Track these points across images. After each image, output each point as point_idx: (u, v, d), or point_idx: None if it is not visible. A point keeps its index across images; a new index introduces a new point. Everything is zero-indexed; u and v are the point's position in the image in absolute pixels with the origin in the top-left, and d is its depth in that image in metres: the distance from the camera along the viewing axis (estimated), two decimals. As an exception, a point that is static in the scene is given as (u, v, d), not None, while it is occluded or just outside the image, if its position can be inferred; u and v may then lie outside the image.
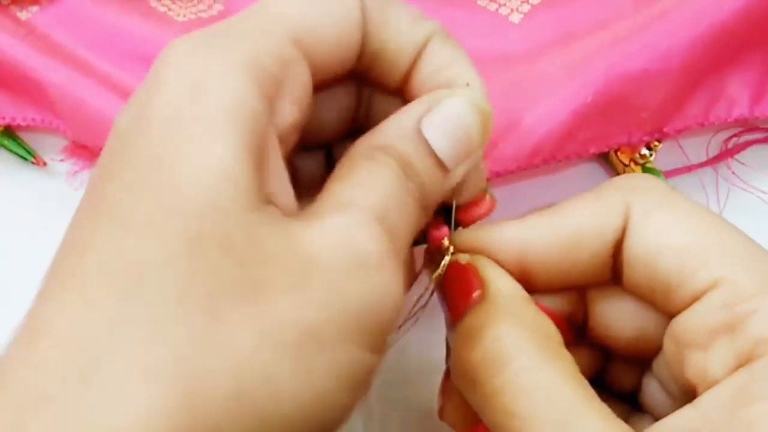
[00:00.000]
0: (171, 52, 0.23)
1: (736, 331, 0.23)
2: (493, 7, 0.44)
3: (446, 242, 0.28)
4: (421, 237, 0.29)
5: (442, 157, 0.25)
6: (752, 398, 0.21)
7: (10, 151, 0.44)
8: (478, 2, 0.44)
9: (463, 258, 0.27)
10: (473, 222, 0.29)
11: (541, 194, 0.42)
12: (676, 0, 0.39)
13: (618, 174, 0.41)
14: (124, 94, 0.41)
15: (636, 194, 0.26)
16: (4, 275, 0.41)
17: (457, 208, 0.29)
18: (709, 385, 0.23)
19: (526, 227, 0.27)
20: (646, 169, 0.40)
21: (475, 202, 0.29)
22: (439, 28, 0.27)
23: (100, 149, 0.39)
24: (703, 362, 0.23)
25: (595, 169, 0.43)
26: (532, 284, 0.27)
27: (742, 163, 0.42)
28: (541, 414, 0.22)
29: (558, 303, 0.28)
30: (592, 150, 0.39)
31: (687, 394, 0.24)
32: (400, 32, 0.26)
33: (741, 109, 0.40)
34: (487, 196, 0.30)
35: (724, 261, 0.24)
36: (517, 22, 0.43)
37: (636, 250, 0.25)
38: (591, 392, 0.23)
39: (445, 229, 0.28)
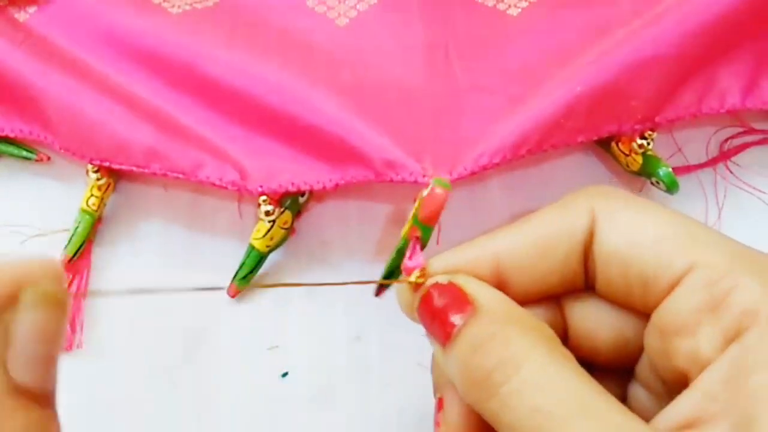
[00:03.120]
0: None
1: (719, 309, 0.23)
2: (491, 2, 0.44)
3: (417, 273, 0.28)
4: (391, 273, 0.29)
5: None
6: (750, 369, 0.22)
7: (12, 155, 0.43)
8: (477, -1, 0.44)
9: (441, 279, 0.27)
10: (436, 216, 0.29)
11: (538, 187, 0.42)
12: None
13: (620, 163, 0.41)
14: (121, 99, 0.40)
15: (599, 199, 0.27)
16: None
17: (416, 216, 0.29)
18: (702, 367, 0.23)
19: (497, 238, 0.27)
20: (647, 158, 0.39)
21: (429, 197, 0.29)
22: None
23: (91, 160, 0.40)
24: (693, 346, 0.23)
25: (591, 161, 0.43)
26: (509, 296, 0.27)
27: (740, 165, 0.42)
28: (565, 407, 0.23)
29: (537, 315, 0.28)
30: (580, 139, 0.39)
31: (677, 386, 0.24)
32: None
33: (733, 100, 0.40)
34: (434, 189, 0.29)
35: (696, 246, 0.24)
36: (515, 15, 0.43)
37: (607, 247, 0.26)
38: (600, 386, 0.24)
39: (419, 257, 0.29)
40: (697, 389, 0.23)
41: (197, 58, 0.40)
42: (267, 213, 0.38)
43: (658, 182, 0.39)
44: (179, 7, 0.44)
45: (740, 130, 0.42)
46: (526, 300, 0.27)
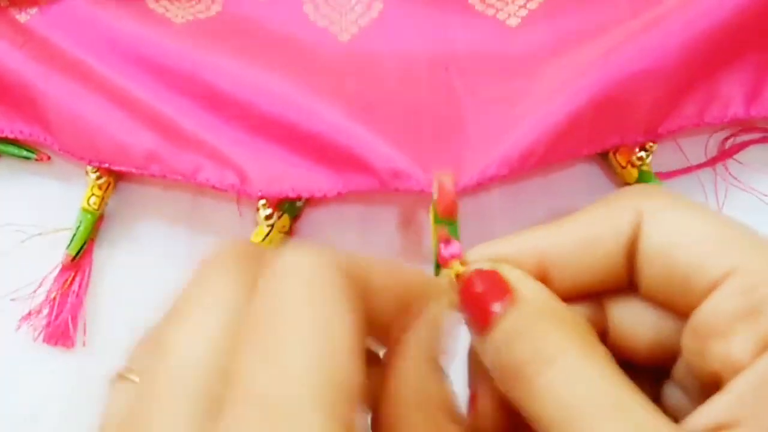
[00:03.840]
0: None
1: (756, 316, 0.23)
2: (491, 12, 0.44)
3: (457, 264, 0.28)
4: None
5: None
6: None
7: (13, 155, 0.43)
8: (476, 7, 0.44)
9: (485, 266, 0.27)
10: (454, 208, 0.30)
11: (540, 196, 0.42)
12: (673, 3, 0.39)
13: (616, 174, 0.41)
14: (121, 102, 0.40)
15: (645, 198, 0.27)
16: (4, 276, 0.41)
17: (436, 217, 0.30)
18: (735, 372, 0.23)
19: (541, 234, 0.27)
20: (642, 173, 0.39)
21: (439, 193, 0.30)
22: None
23: (90, 162, 0.40)
24: (726, 350, 0.23)
25: (594, 170, 0.43)
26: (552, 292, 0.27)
27: (741, 163, 0.42)
28: (596, 403, 0.22)
29: (577, 312, 0.28)
30: (585, 151, 0.39)
31: (712, 388, 0.24)
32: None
33: (736, 109, 0.40)
34: (442, 183, 0.30)
35: (737, 249, 0.24)
36: (514, 25, 0.43)
37: (652, 246, 0.25)
38: (633, 385, 0.23)
39: (453, 246, 0.29)
40: (728, 393, 0.23)
41: (199, 66, 0.40)
42: (266, 217, 0.38)
43: None
44: (182, 17, 0.44)
45: (739, 128, 0.42)
46: (567, 296, 0.27)
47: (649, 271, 0.26)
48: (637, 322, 0.27)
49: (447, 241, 0.29)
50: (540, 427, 0.23)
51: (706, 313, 0.24)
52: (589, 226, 0.27)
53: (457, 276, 0.28)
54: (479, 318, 0.26)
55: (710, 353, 0.24)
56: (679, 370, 0.27)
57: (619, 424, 0.22)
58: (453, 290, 0.27)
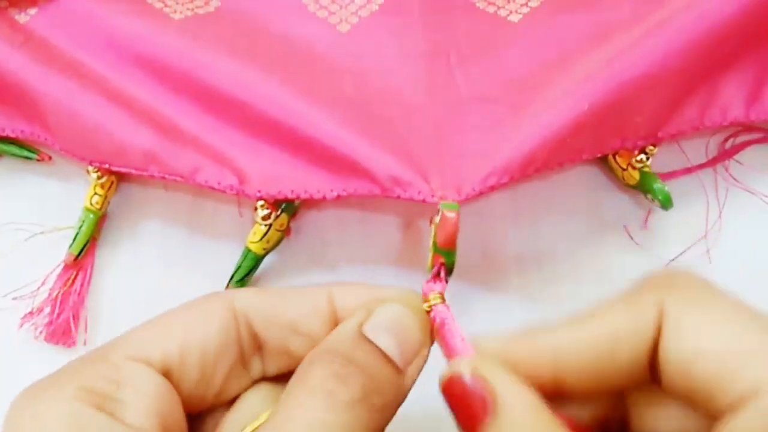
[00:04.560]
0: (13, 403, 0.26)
1: None
2: (491, 9, 0.44)
3: (435, 295, 0.29)
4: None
5: (390, 354, 0.27)
6: None
7: (14, 155, 0.43)
8: (477, 5, 0.44)
9: (466, 366, 0.26)
10: (453, 240, 0.30)
11: (540, 195, 0.42)
12: (674, 7, 0.39)
13: (617, 177, 0.41)
14: (120, 102, 0.40)
15: (667, 292, 0.26)
16: (6, 274, 0.41)
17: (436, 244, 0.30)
18: None
19: (559, 335, 0.26)
20: (643, 174, 0.39)
21: (441, 223, 0.31)
22: None
23: (90, 162, 0.40)
24: None
25: (594, 172, 0.43)
26: (566, 391, 0.26)
27: (741, 164, 0.42)
28: None
29: (592, 409, 0.27)
30: (585, 156, 0.39)
31: None
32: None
33: (736, 113, 0.40)
34: (445, 214, 0.31)
35: (762, 364, 0.23)
36: (516, 21, 0.43)
37: (672, 353, 0.25)
38: None
39: (440, 284, 0.30)
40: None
41: (198, 65, 0.40)
42: (264, 217, 0.38)
43: (653, 199, 0.40)
44: (180, 12, 0.44)
45: (740, 129, 0.42)
46: (586, 396, 0.26)
47: (671, 374, 0.25)
48: (660, 416, 0.27)
49: (436, 277, 0.30)
50: None
51: (733, 430, 0.23)
52: (609, 329, 0.26)
53: (429, 311, 0.29)
54: (462, 420, 0.26)
55: None
56: None
57: None
58: (428, 323, 0.28)
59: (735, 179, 0.42)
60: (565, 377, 0.26)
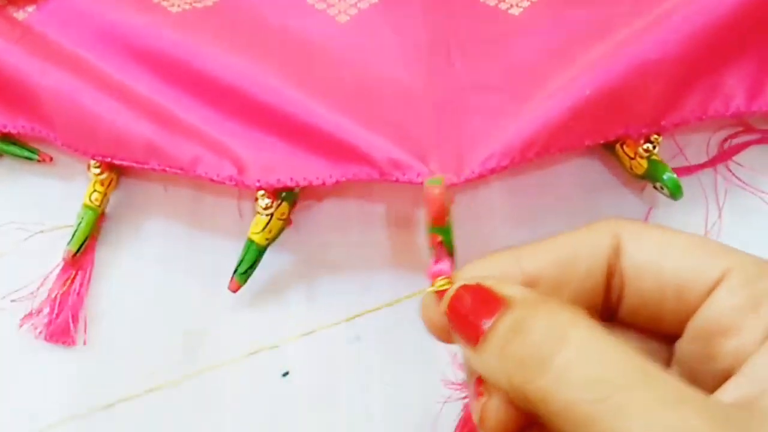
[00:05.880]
0: None
1: (760, 307, 0.23)
2: (492, 2, 0.44)
3: (441, 280, 0.28)
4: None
5: None
6: None
7: (14, 155, 0.43)
8: (479, -1, 0.44)
9: (469, 281, 0.26)
10: (443, 215, 0.30)
11: (539, 192, 0.42)
12: (675, -1, 0.39)
13: (624, 167, 0.41)
14: (119, 94, 0.40)
15: (622, 222, 0.27)
16: (6, 274, 0.41)
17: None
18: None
19: (523, 253, 0.27)
20: (652, 162, 0.39)
21: (427, 200, 0.30)
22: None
23: (93, 156, 0.40)
24: (737, 344, 0.23)
25: (594, 166, 0.43)
26: None
27: (741, 164, 0.42)
28: (624, 375, 0.22)
29: None
30: (587, 142, 0.39)
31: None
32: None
33: (738, 103, 0.40)
34: (429, 190, 0.30)
35: (728, 253, 0.25)
36: (517, 14, 0.43)
37: (638, 261, 0.26)
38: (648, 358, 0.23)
39: (444, 263, 0.29)
40: (744, 376, 0.23)
41: (196, 58, 0.40)
42: (265, 207, 0.38)
43: (662, 187, 0.40)
44: (178, 6, 0.43)
45: (740, 129, 0.42)
46: None
47: (637, 284, 0.26)
48: None
49: (438, 257, 0.29)
50: (563, 418, 0.22)
51: (709, 313, 0.24)
52: (568, 246, 0.27)
53: (439, 292, 0.28)
54: (471, 331, 0.25)
55: (720, 352, 0.24)
56: None
57: (652, 394, 0.21)
58: (440, 306, 0.27)
59: (735, 179, 0.42)
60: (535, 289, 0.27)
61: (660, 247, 0.26)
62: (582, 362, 0.22)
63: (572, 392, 0.22)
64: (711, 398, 0.22)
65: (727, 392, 0.23)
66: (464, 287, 0.26)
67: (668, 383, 0.22)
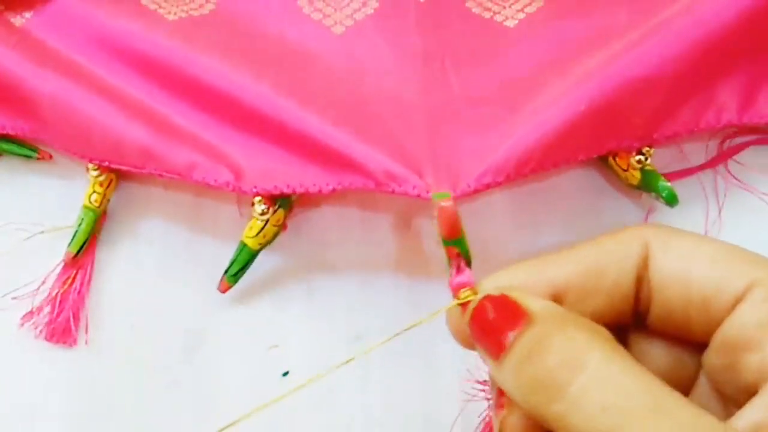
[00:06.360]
0: None
1: None
2: (487, 15, 0.45)
3: (466, 292, 0.28)
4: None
5: None
6: None
7: (14, 153, 0.43)
8: (473, 10, 0.45)
9: (493, 292, 0.27)
10: (457, 229, 0.30)
11: (541, 197, 0.42)
12: (670, 10, 0.39)
13: (619, 178, 0.41)
14: (116, 99, 0.40)
15: (650, 229, 0.27)
16: (6, 274, 0.41)
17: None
18: None
19: (550, 262, 0.27)
20: (646, 172, 0.40)
21: (440, 215, 0.30)
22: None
23: (90, 159, 0.40)
24: (760, 359, 0.23)
25: (591, 174, 0.43)
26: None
27: (741, 164, 0.42)
28: (637, 403, 0.22)
29: None
30: (581, 157, 0.39)
31: (745, 401, 0.24)
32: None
33: (730, 116, 0.40)
34: (440, 205, 0.30)
35: (752, 264, 0.25)
36: (512, 26, 0.44)
37: (664, 270, 0.26)
38: (665, 383, 0.23)
39: (465, 275, 0.29)
40: (760, 397, 0.23)
41: (192, 65, 0.40)
42: (261, 213, 0.39)
43: (657, 197, 0.40)
44: (175, 14, 0.44)
45: (739, 129, 0.43)
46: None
47: (663, 294, 0.26)
48: (647, 358, 0.27)
49: (459, 269, 0.29)
50: None
51: (734, 326, 0.24)
52: (596, 256, 0.27)
53: (463, 304, 0.28)
54: (493, 344, 0.25)
55: (744, 365, 0.24)
56: (697, 396, 0.27)
57: (664, 423, 0.21)
58: (463, 318, 0.27)
59: (735, 179, 0.42)
60: (562, 300, 0.27)
61: (687, 257, 0.26)
62: (597, 389, 0.22)
63: (587, 420, 0.22)
64: (726, 426, 0.22)
65: (745, 415, 0.23)
66: (488, 298, 0.26)
67: (683, 411, 0.22)
